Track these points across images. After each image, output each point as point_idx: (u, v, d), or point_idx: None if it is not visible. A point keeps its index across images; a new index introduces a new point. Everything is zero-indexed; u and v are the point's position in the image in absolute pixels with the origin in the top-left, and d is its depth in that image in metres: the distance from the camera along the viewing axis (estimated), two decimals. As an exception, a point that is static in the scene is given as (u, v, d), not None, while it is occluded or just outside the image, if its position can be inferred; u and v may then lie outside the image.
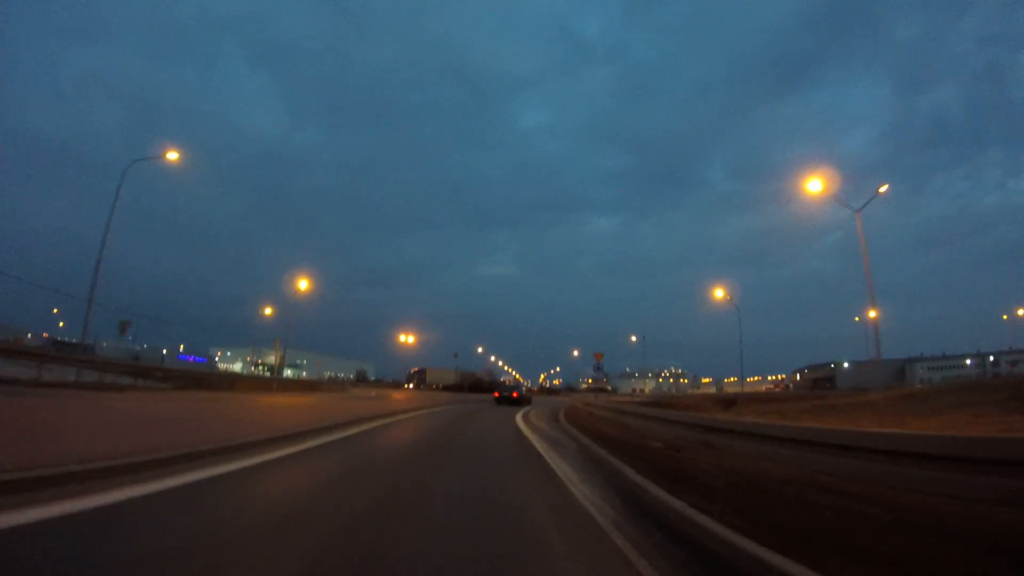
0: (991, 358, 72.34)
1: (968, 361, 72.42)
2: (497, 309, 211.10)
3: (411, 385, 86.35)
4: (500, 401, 32.58)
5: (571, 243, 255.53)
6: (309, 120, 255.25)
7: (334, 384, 56.28)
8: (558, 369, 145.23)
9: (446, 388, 79.32)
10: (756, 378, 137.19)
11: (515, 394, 35.25)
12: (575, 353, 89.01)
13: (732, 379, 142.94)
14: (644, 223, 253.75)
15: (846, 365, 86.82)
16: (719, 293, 40.56)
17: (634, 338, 66.28)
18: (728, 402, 28.95)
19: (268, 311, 46.71)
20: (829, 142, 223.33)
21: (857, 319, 51.76)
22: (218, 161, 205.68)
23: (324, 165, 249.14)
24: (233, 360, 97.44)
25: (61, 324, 67.32)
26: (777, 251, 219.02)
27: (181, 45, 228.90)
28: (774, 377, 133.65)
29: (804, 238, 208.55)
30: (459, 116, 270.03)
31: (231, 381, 34.40)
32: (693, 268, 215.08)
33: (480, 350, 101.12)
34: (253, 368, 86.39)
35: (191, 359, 77.53)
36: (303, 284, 38.81)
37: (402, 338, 63.70)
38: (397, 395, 40.66)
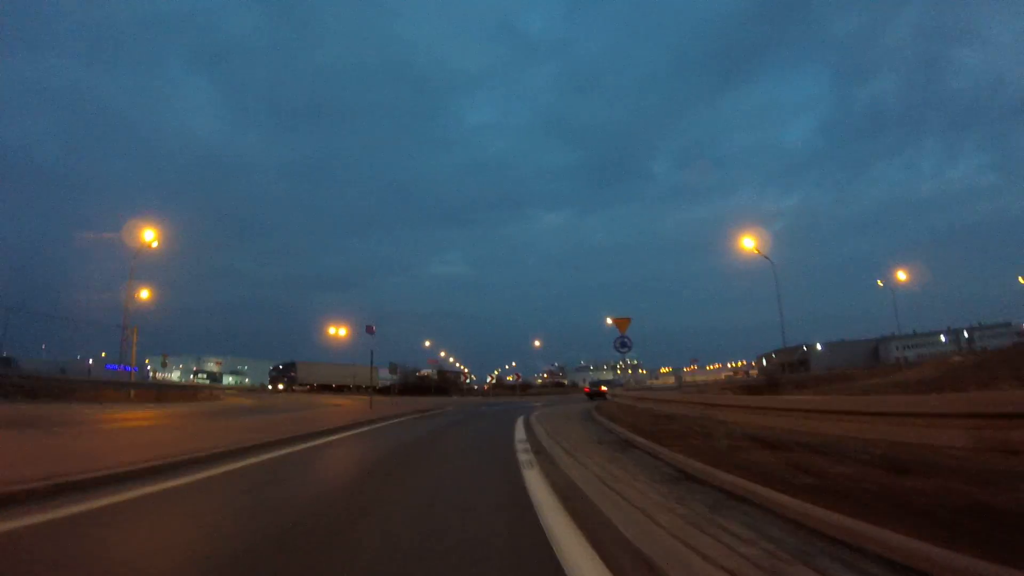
0: (965, 334, 70.63)
1: (943, 338, 70.39)
2: (449, 308, 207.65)
3: (280, 386, 64.79)
4: (592, 396, 32.36)
5: (521, 239, 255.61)
6: (253, 123, 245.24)
7: (217, 391, 45.75)
8: (514, 364, 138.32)
9: (378, 391, 56.73)
10: (716, 365, 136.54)
11: (602, 388, 36.18)
12: (536, 344, 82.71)
13: (692, 367, 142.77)
14: (592, 217, 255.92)
15: (819, 347, 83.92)
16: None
17: (610, 321, 59.52)
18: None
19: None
20: (771, 133, 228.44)
21: (880, 283, 46.71)
22: (158, 167, 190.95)
23: (269, 168, 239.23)
24: (172, 369, 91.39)
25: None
26: (724, 241, 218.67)
27: (118, 48, 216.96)
28: (734, 364, 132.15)
29: (750, 225, 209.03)
30: (406, 116, 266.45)
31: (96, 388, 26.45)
32: (642, 259, 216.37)
33: (427, 344, 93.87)
34: (193, 377, 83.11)
35: (120, 368, 70.60)
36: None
37: (332, 331, 54.24)
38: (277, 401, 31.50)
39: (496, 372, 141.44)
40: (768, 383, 33.41)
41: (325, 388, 59.74)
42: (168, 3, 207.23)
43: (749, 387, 28.57)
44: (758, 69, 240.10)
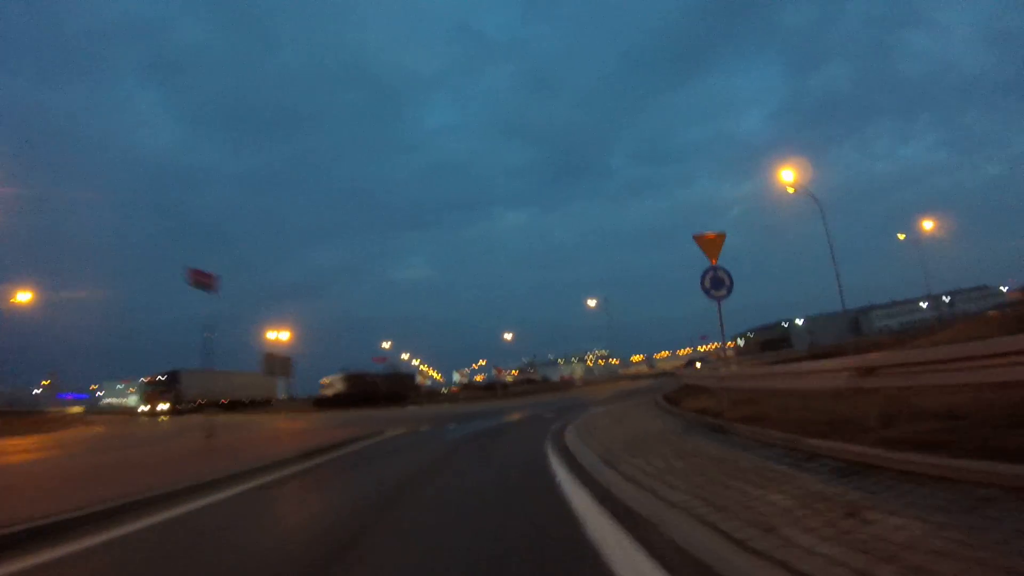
0: (946, 298, 68.76)
1: (923, 304, 67.96)
2: (414, 312, 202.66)
3: (150, 407, 49.07)
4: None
5: (485, 239, 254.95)
6: (209, 133, 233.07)
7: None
8: (484, 363, 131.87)
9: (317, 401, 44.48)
10: (688, 350, 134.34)
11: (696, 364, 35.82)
12: (507, 336, 76.58)
13: (664, 353, 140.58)
14: (554, 214, 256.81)
15: (799, 322, 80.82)
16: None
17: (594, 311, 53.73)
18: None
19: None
20: (727, 123, 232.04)
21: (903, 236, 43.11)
22: (112, 182, 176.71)
23: (228, 179, 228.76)
24: (123, 394, 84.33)
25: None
26: (683, 230, 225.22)
27: (69, 60, 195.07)
28: (705, 348, 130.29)
29: (708, 214, 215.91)
30: (366, 120, 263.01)
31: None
32: (606, 253, 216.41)
33: (387, 345, 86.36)
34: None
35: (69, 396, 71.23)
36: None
37: (272, 335, 46.07)
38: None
39: (466, 371, 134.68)
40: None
41: (235, 404, 45.52)
42: (119, 13, 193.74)
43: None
44: (711, 62, 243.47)
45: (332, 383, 44.26)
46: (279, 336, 46.28)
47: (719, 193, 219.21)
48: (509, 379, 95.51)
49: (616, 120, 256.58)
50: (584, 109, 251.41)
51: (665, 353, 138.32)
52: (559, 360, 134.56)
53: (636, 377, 49.47)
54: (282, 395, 47.02)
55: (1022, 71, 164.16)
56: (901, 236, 43.61)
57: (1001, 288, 63.89)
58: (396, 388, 34.46)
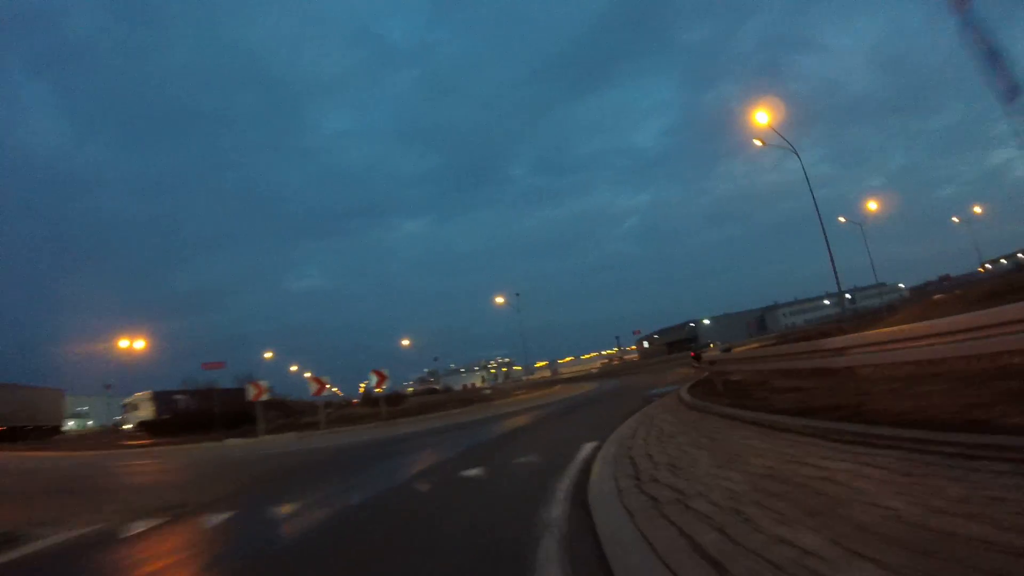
0: (848, 296, 71.16)
1: (826, 301, 69.75)
2: (311, 323, 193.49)
3: None
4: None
5: (383, 248, 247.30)
6: (97, 134, 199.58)
7: None
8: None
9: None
10: (593, 354, 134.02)
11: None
12: (405, 342, 68.30)
13: (568, 358, 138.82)
14: (453, 222, 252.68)
15: (706, 322, 79.88)
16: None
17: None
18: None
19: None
20: (625, 135, 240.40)
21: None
22: None
23: (117, 184, 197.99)
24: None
25: None
26: (582, 240, 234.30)
27: None
28: (608, 351, 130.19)
29: (606, 223, 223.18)
30: (261, 123, 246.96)
31: None
32: (506, 261, 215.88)
33: (268, 355, 75.79)
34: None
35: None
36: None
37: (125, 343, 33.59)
38: None
39: (364, 384, 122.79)
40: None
41: (14, 431, 30.94)
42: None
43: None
44: (613, 77, 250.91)
45: (137, 404, 32.01)
46: (132, 344, 34.04)
47: (616, 203, 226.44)
48: (410, 391, 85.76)
49: (518, 129, 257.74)
50: (486, 118, 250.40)
51: (569, 358, 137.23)
52: (461, 370, 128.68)
53: (569, 381, 42.93)
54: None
55: (902, 93, 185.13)
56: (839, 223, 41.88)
57: (900, 285, 66.44)
58: (238, 408, 24.22)
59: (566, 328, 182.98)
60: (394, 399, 30.75)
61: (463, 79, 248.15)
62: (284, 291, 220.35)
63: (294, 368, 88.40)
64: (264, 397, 20.31)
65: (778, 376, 10.67)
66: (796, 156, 20.15)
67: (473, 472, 6.32)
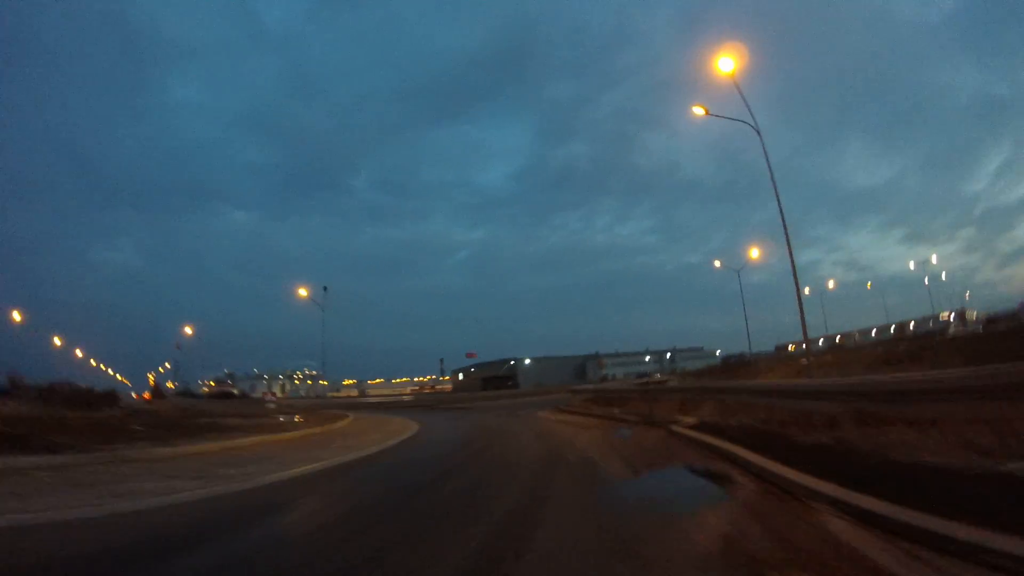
0: (668, 355, 76.84)
1: (647, 357, 74.51)
2: (112, 302, 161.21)
3: None
4: None
5: (203, 234, 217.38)
6: None
7: None
8: (167, 366, 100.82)
9: None
10: (405, 379, 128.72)
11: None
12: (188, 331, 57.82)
13: (378, 380, 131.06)
14: (283, 223, 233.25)
15: (527, 362, 79.61)
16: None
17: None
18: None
19: None
20: (470, 171, 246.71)
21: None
22: None
23: None
24: None
25: None
26: (413, 264, 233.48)
27: None
28: (421, 378, 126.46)
29: (438, 252, 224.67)
30: (102, 74, 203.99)
31: None
32: (331, 272, 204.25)
33: (58, 342, 63.51)
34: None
35: None
36: None
37: None
38: None
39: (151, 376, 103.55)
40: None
41: None
42: None
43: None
44: (471, 113, 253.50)
45: None
46: None
47: (451, 234, 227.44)
48: (205, 391, 71.12)
49: (366, 143, 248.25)
50: (338, 124, 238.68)
51: (379, 380, 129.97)
52: (264, 376, 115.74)
53: (375, 409, 33.92)
54: None
55: (730, 183, 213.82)
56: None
57: (716, 352, 72.61)
58: None
59: (382, 350, 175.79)
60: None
61: (324, 81, 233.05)
62: (88, 261, 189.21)
63: (79, 353, 73.99)
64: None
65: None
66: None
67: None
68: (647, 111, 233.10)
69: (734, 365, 38.16)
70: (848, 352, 43.46)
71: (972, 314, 54.26)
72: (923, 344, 25.26)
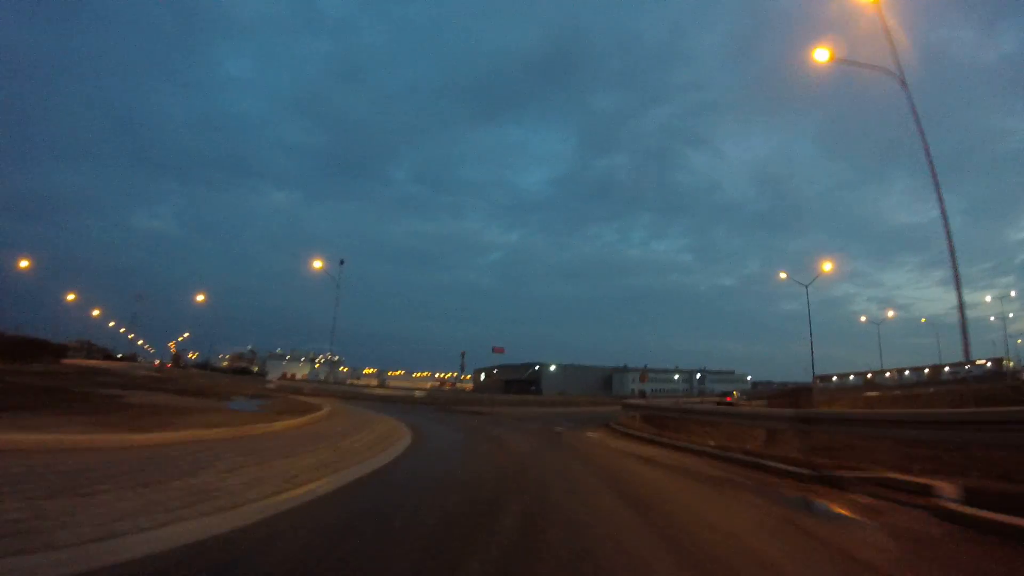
0: (698, 375, 71.79)
1: (676, 376, 69.75)
2: (149, 267, 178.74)
3: None
4: None
5: (242, 210, 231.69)
6: None
7: None
8: (187, 335, 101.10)
9: None
10: (426, 373, 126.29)
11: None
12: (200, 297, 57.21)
13: (399, 372, 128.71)
14: (321, 205, 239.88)
15: (552, 368, 75.51)
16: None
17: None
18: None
19: None
20: (509, 172, 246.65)
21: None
22: None
23: None
24: None
25: None
26: (442, 258, 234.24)
27: None
28: (442, 374, 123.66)
29: (471, 250, 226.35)
30: (155, 38, 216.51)
31: None
32: (362, 258, 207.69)
33: (71, 297, 65.58)
34: None
35: None
36: None
37: None
38: None
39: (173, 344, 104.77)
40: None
41: None
42: None
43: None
44: (516, 115, 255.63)
45: None
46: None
47: (486, 235, 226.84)
48: (224, 364, 69.97)
49: (409, 135, 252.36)
50: (383, 114, 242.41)
51: (400, 372, 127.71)
52: (287, 355, 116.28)
53: (385, 402, 29.94)
54: None
55: (773, 208, 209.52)
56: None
57: (747, 377, 68.21)
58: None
59: (405, 340, 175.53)
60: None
61: (372, 70, 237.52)
62: (129, 226, 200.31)
63: (96, 313, 75.52)
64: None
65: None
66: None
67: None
68: (692, 129, 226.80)
69: (793, 391, 37.83)
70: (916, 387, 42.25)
71: (1010, 363, 54.51)
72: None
